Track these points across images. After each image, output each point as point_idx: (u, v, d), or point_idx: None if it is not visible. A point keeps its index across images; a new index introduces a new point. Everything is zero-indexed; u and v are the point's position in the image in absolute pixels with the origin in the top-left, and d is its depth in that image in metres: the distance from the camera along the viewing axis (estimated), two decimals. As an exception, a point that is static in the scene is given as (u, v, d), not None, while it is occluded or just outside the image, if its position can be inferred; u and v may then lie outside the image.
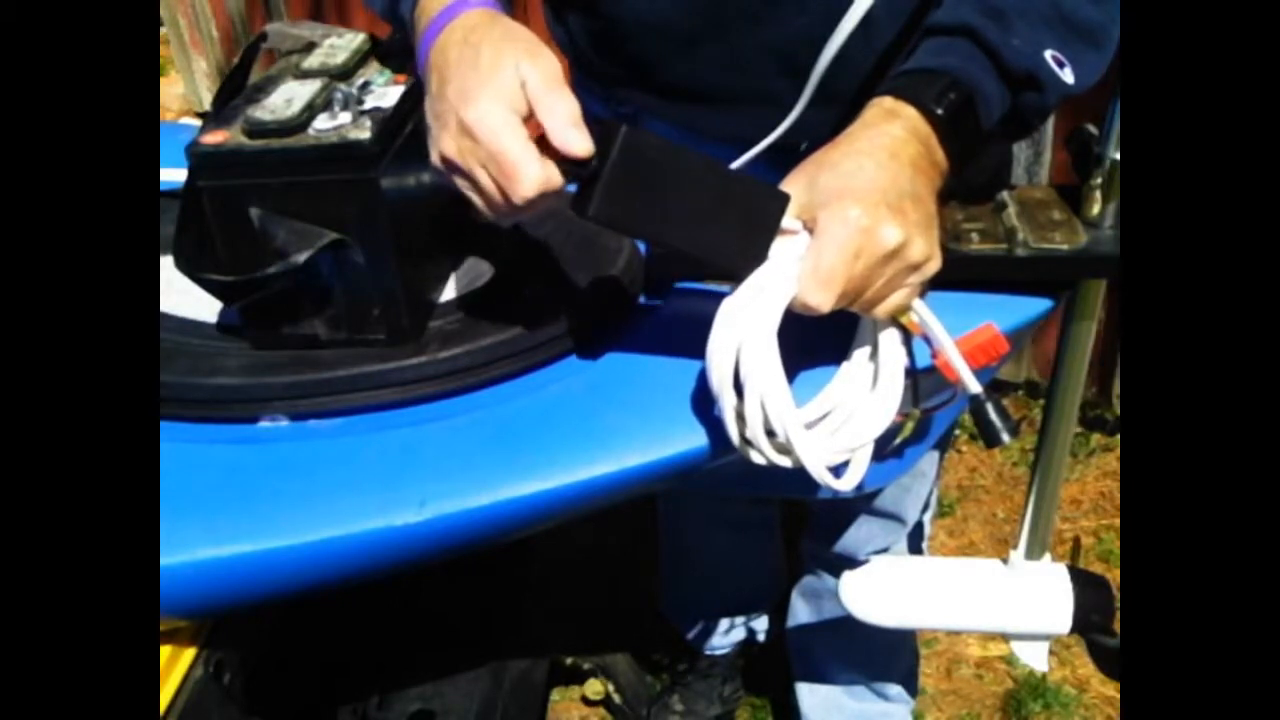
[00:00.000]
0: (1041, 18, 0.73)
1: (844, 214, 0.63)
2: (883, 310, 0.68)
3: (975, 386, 0.70)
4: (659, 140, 0.62)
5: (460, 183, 0.67)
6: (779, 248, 0.66)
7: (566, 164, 0.64)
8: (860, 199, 0.64)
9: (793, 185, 0.67)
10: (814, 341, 0.69)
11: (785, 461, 0.68)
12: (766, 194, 0.66)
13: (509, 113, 0.64)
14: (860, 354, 0.72)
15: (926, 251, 0.66)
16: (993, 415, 0.71)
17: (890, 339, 0.71)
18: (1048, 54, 0.72)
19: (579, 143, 0.63)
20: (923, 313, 0.70)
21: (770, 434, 0.67)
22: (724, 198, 0.65)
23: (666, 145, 0.63)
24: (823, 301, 0.64)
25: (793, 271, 0.65)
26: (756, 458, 0.69)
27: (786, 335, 0.66)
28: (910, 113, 0.70)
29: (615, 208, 0.62)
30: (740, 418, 0.68)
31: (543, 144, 0.64)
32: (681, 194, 0.63)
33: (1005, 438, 0.71)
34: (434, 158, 0.68)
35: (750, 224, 0.66)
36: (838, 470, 0.71)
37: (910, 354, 0.71)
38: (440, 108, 0.66)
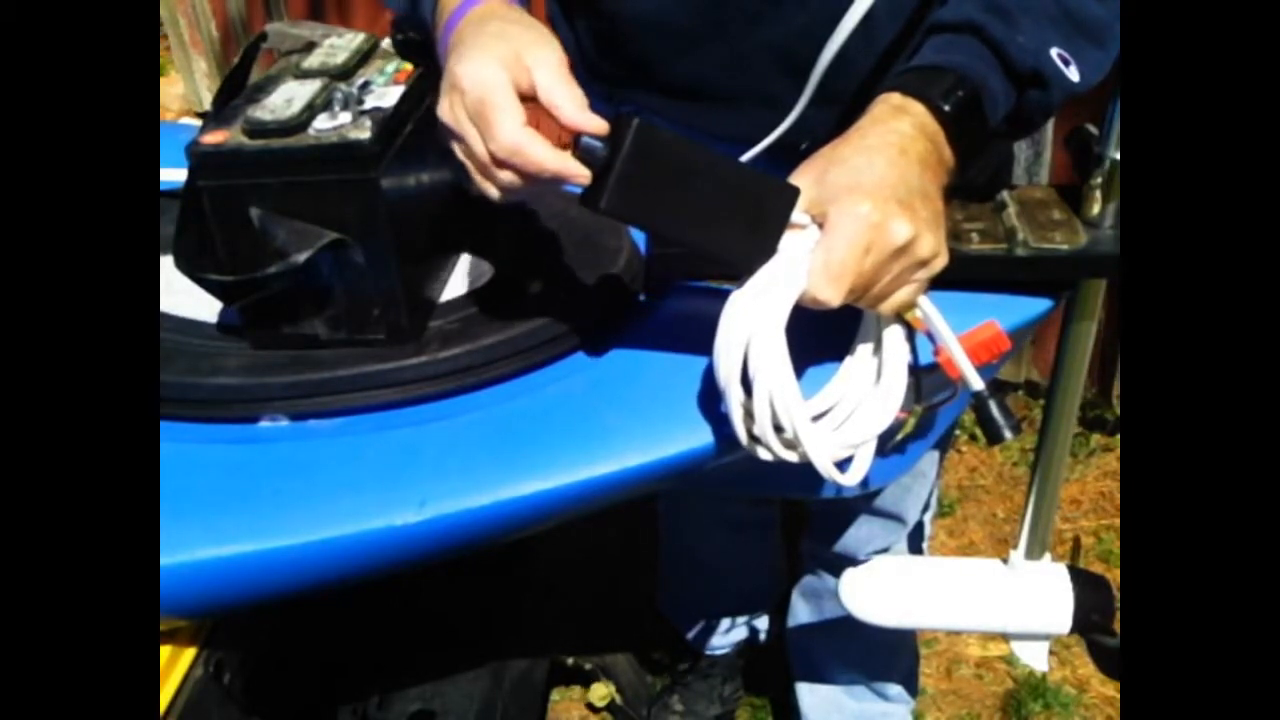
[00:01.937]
0: (1046, 15, 0.73)
1: (855, 209, 0.63)
2: (889, 306, 0.68)
3: (978, 383, 0.70)
4: (670, 133, 0.62)
5: (455, 147, 0.68)
6: (788, 242, 0.66)
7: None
8: (871, 194, 0.64)
9: (802, 179, 0.67)
10: (815, 337, 0.69)
11: (792, 457, 0.68)
12: (776, 188, 0.66)
13: (499, 69, 0.65)
14: (864, 349, 0.72)
15: (934, 248, 0.66)
16: (995, 412, 0.71)
17: (894, 335, 0.71)
18: (1053, 51, 0.72)
19: (593, 120, 0.63)
20: (927, 309, 0.70)
21: (778, 429, 0.67)
22: (734, 191, 0.64)
23: (677, 138, 0.62)
24: (833, 296, 0.64)
25: (802, 266, 0.65)
26: (763, 454, 0.69)
27: (789, 331, 0.65)
28: (918, 109, 0.70)
29: (627, 201, 0.62)
30: (748, 414, 0.67)
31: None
32: (692, 187, 0.63)
33: (1008, 434, 0.71)
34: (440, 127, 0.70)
35: (760, 217, 0.65)
36: (842, 466, 0.71)
37: (913, 350, 0.71)
38: (446, 74, 0.68)
